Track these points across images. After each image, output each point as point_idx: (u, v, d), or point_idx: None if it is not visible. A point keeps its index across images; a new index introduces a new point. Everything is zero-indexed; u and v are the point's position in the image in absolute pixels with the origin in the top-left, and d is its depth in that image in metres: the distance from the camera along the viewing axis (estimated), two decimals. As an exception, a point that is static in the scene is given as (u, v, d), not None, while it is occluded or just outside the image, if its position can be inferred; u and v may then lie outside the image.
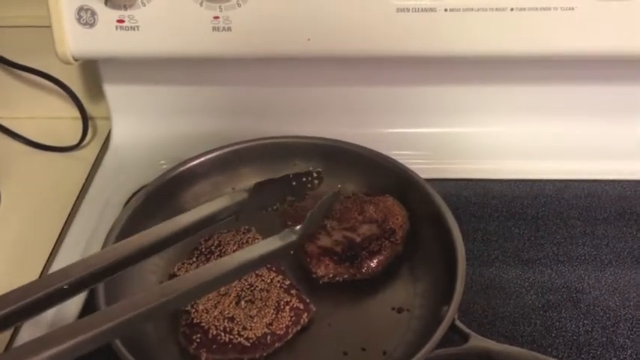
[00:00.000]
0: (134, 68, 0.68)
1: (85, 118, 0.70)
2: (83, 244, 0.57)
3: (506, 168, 0.66)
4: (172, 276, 0.52)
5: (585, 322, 0.51)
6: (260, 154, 0.62)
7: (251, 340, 0.46)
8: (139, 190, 0.59)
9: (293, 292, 0.50)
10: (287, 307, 0.48)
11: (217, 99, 0.70)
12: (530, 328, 0.51)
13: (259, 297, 0.49)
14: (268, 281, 0.51)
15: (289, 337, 0.47)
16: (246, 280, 0.50)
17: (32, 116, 0.75)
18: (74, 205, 0.63)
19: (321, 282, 0.53)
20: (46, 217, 0.62)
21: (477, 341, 0.42)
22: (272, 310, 0.48)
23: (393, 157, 0.60)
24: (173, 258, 0.54)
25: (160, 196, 0.57)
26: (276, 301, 0.49)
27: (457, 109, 0.69)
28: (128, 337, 0.43)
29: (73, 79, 0.72)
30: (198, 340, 0.46)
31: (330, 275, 0.53)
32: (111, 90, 0.70)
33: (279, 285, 0.50)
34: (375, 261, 0.53)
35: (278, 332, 0.47)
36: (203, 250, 0.54)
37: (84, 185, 0.66)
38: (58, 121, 0.74)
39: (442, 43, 0.60)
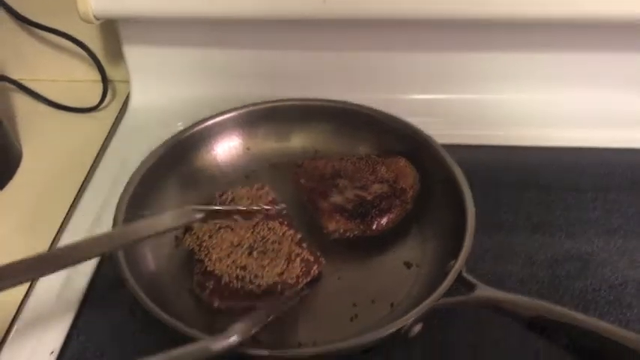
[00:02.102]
0: (153, 30, 0.69)
1: (105, 80, 0.72)
2: (101, 200, 0.59)
3: (521, 135, 0.67)
4: (188, 228, 0.53)
5: (593, 281, 0.52)
6: (274, 116, 0.63)
7: (262, 288, 0.47)
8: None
9: (304, 245, 0.51)
10: (298, 259, 0.49)
11: (235, 61, 0.71)
12: (538, 285, 0.52)
13: (271, 248, 0.50)
14: (280, 234, 0.52)
15: (299, 287, 0.48)
16: (258, 232, 0.52)
17: (55, 78, 0.76)
18: (93, 163, 0.65)
19: (332, 238, 0.54)
20: (66, 174, 0.64)
21: (484, 291, 0.42)
22: (283, 261, 0.49)
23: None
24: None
25: (175, 154, 0.58)
26: (288, 253, 0.50)
27: (474, 75, 0.70)
28: (146, 285, 0.45)
29: (94, 41, 0.73)
30: (211, 287, 0.48)
31: (341, 231, 0.54)
32: (130, 52, 0.71)
33: (290, 238, 0.51)
34: (384, 218, 0.54)
35: (288, 282, 0.48)
36: (217, 204, 0.55)
37: (103, 145, 0.68)
38: (79, 84, 0.76)
39: (462, 4, 0.60)
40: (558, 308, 0.38)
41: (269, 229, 0.52)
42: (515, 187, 0.62)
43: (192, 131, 0.59)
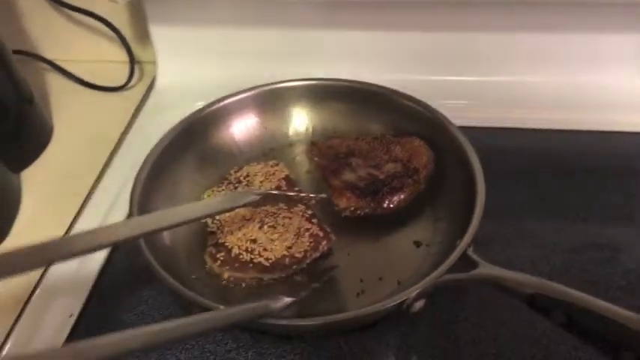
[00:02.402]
0: (179, 10, 0.71)
1: (132, 60, 0.74)
2: (125, 173, 0.61)
3: (543, 117, 0.66)
4: None
5: (607, 266, 0.51)
6: (294, 95, 0.64)
7: (270, 261, 0.48)
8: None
9: (314, 221, 0.52)
10: (307, 234, 0.50)
11: (260, 41, 0.72)
12: (549, 267, 0.51)
13: (282, 223, 0.51)
14: (291, 210, 0.53)
15: (307, 262, 0.49)
16: (270, 207, 0.53)
17: (86, 58, 0.79)
18: (119, 139, 0.67)
19: (343, 215, 0.55)
20: (93, 149, 0.66)
21: (486, 268, 0.42)
22: (292, 236, 0.50)
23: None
24: (203, 184, 0.57)
25: (192, 132, 0.59)
26: (297, 228, 0.51)
27: (494, 57, 0.69)
28: (161, 257, 0.47)
29: (123, 22, 0.76)
30: (222, 259, 0.49)
31: (352, 208, 0.54)
32: (156, 32, 0.73)
33: (301, 214, 0.52)
34: (396, 197, 0.54)
35: (296, 255, 0.49)
36: (232, 180, 0.57)
37: (129, 122, 0.70)
38: (109, 64, 0.78)
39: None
40: (557, 286, 0.38)
41: (281, 204, 0.53)
42: (534, 171, 0.61)
43: (208, 110, 0.60)
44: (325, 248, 0.51)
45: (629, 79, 0.67)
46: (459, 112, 0.60)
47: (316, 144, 0.60)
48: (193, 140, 0.59)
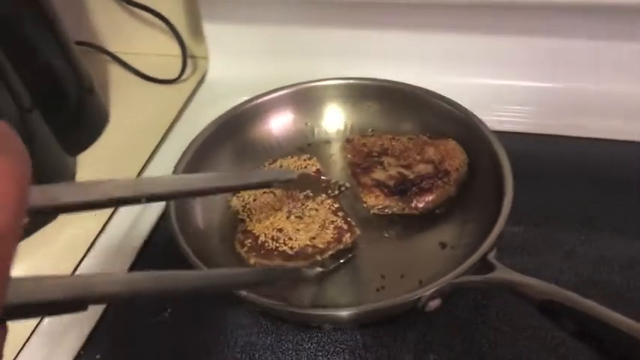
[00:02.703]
0: (231, 8, 0.74)
1: (185, 54, 0.78)
2: (171, 159, 0.63)
3: (588, 126, 0.64)
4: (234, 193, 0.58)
5: (637, 280, 0.49)
6: (334, 94, 0.65)
7: (294, 250, 0.50)
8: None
9: (340, 214, 0.53)
10: (331, 226, 0.52)
11: (306, 40, 0.75)
12: (577, 278, 0.50)
13: (308, 214, 0.53)
14: (319, 202, 0.54)
15: (330, 253, 0.51)
16: (298, 199, 0.55)
17: (144, 52, 0.84)
18: (167, 129, 0.71)
19: (371, 212, 0.56)
20: (144, 136, 0.70)
21: (502, 272, 0.42)
22: (317, 227, 0.52)
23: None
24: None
25: (232, 125, 0.62)
26: (323, 220, 0.52)
27: (540, 62, 0.68)
28: (193, 243, 0.49)
29: (179, 19, 0.80)
30: (249, 245, 0.52)
31: (380, 206, 0.55)
32: (209, 28, 0.77)
33: (328, 207, 0.54)
34: (424, 198, 0.55)
35: (319, 246, 0.51)
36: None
37: (178, 113, 0.74)
38: (165, 57, 0.82)
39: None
40: (570, 294, 0.37)
41: (308, 196, 0.55)
42: (574, 180, 0.60)
43: (248, 105, 0.63)
44: (349, 241, 0.52)
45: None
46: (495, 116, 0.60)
47: (351, 141, 0.61)
48: (233, 133, 0.61)
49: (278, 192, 0.55)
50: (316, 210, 0.53)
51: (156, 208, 0.59)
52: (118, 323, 0.50)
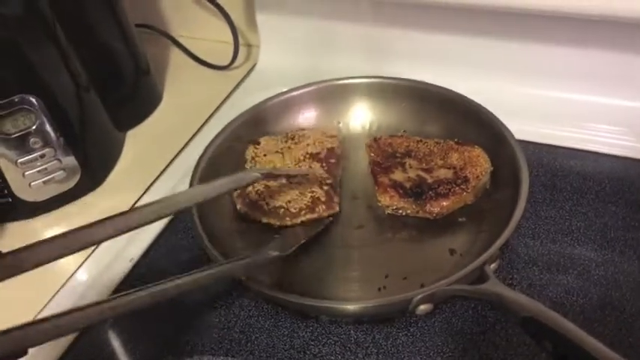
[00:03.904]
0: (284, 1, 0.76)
1: (237, 43, 0.81)
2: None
3: (620, 143, 0.62)
4: (256, 142, 0.62)
5: (645, 310, 0.47)
6: (360, 91, 0.66)
7: (269, 207, 0.55)
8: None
9: (326, 188, 0.56)
10: (309, 195, 0.55)
11: (354, 36, 0.76)
12: (584, 301, 0.49)
13: (300, 182, 0.57)
14: (316, 175, 0.57)
15: (301, 219, 0.54)
16: (300, 167, 0.59)
17: (201, 37, 0.88)
18: (213, 112, 0.75)
19: (386, 212, 0.57)
20: (190, 119, 0.74)
21: (492, 285, 0.42)
22: (297, 193, 0.55)
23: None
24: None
25: (262, 116, 0.65)
26: (307, 189, 0.56)
27: (575, 73, 0.66)
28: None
29: (234, 8, 0.82)
30: (238, 192, 0.57)
31: (394, 207, 0.56)
32: (262, 19, 0.79)
33: (320, 180, 0.57)
34: (439, 203, 0.55)
35: (291, 210, 0.54)
36: (288, 135, 0.63)
37: (225, 98, 0.78)
38: (220, 44, 0.85)
39: None
40: (552, 314, 0.37)
41: (310, 167, 0.58)
42: (602, 197, 0.58)
43: (276, 100, 0.65)
44: (323, 214, 0.55)
45: None
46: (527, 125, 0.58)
47: (377, 140, 0.62)
48: (257, 127, 0.64)
49: (287, 155, 0.60)
50: (309, 180, 0.57)
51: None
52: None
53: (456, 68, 0.70)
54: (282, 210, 0.54)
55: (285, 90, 0.66)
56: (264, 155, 0.60)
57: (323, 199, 0.55)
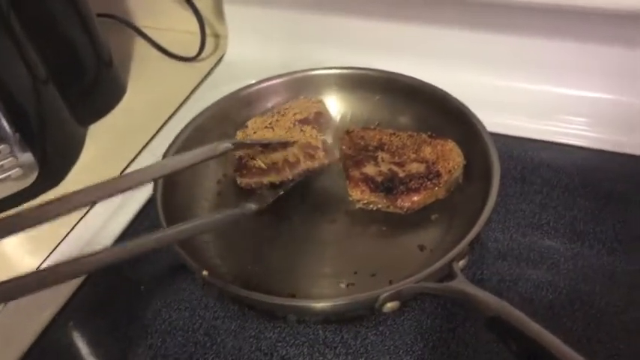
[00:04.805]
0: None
1: (204, 33, 0.79)
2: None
3: (591, 136, 0.61)
4: (244, 127, 0.61)
5: (619, 303, 0.47)
6: (334, 82, 0.65)
7: (267, 164, 0.54)
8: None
9: (322, 138, 0.56)
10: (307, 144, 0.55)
11: (323, 26, 0.74)
12: (553, 296, 0.48)
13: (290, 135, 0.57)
14: (308, 135, 0.56)
15: (301, 169, 0.54)
16: (292, 134, 0.57)
17: (167, 27, 0.85)
18: (179, 105, 0.73)
19: (357, 206, 0.55)
20: (155, 112, 0.72)
21: (458, 282, 0.41)
22: (295, 149, 0.55)
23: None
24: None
25: (226, 111, 0.63)
26: (304, 142, 0.55)
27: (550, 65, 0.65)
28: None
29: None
30: (235, 168, 0.57)
31: (365, 201, 0.55)
32: (230, 10, 0.77)
33: (310, 134, 0.57)
34: (410, 197, 0.54)
35: (290, 160, 0.54)
36: (274, 111, 0.62)
37: (192, 91, 0.75)
38: (187, 35, 0.83)
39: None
40: (519, 314, 0.36)
41: (301, 130, 0.57)
42: (571, 190, 0.57)
43: (248, 90, 0.63)
44: (325, 161, 0.55)
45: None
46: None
47: (350, 133, 0.61)
48: (226, 119, 0.62)
49: (277, 126, 0.59)
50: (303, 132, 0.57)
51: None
52: (94, 294, 0.53)
53: (426, 59, 0.69)
54: (281, 162, 0.54)
55: (254, 82, 0.64)
56: (254, 133, 0.59)
57: (321, 146, 0.55)
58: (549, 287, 0.49)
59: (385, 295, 0.43)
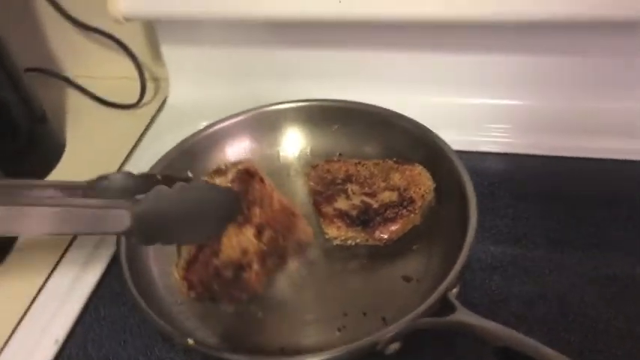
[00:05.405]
0: (190, 30, 0.71)
1: (143, 78, 0.75)
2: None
3: (547, 143, 0.63)
4: None
5: (609, 309, 0.47)
6: (290, 117, 0.63)
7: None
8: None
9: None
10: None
11: (268, 61, 0.72)
12: (545, 310, 0.48)
13: None
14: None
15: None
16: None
17: (101, 75, 0.80)
18: (126, 157, 0.69)
19: (334, 243, 0.53)
20: (101, 166, 0.66)
21: (461, 314, 0.40)
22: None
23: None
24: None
25: (186, 156, 0.59)
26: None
27: (498, 79, 0.67)
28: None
29: (138, 41, 0.77)
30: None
31: (342, 237, 0.53)
32: (168, 51, 0.74)
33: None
34: (388, 228, 0.52)
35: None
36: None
37: (138, 140, 0.71)
38: (125, 81, 0.79)
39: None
40: (529, 341, 0.35)
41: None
42: (539, 199, 0.58)
43: (203, 134, 0.60)
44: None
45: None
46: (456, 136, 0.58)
47: (315, 168, 0.59)
48: (186, 166, 0.58)
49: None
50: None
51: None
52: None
53: (379, 85, 0.69)
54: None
55: (204, 126, 0.61)
56: None
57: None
58: (539, 301, 0.49)
59: (386, 337, 0.41)
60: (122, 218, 0.39)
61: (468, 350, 0.45)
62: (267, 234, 0.47)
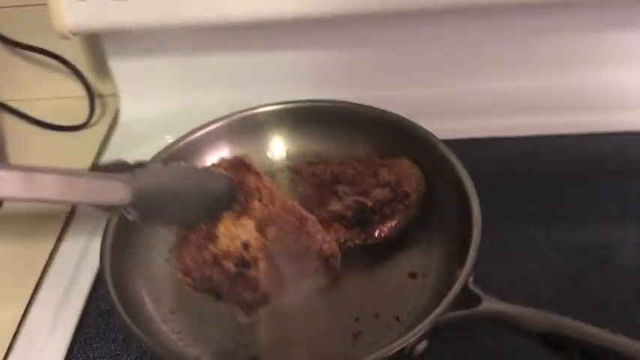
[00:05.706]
0: (138, 42, 0.67)
1: (92, 96, 0.70)
2: (91, 225, 0.57)
3: (525, 124, 0.63)
4: None
5: (614, 282, 0.48)
6: (267, 120, 0.60)
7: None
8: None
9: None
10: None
11: (224, 68, 0.69)
12: (554, 289, 0.48)
13: None
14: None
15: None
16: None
17: (44, 97, 0.74)
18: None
19: (332, 248, 0.51)
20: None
21: (490, 304, 0.39)
22: None
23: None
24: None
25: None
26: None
27: (469, 65, 0.67)
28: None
29: (80, 57, 0.71)
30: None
31: (341, 241, 0.51)
32: (116, 65, 0.69)
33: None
34: (387, 225, 0.51)
35: None
36: None
37: (93, 163, 0.66)
38: (69, 101, 0.73)
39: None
40: (570, 321, 0.35)
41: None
42: (525, 181, 0.58)
43: (177, 146, 0.56)
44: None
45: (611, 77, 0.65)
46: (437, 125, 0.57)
47: (299, 172, 0.56)
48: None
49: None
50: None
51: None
52: None
53: (339, 82, 0.68)
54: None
55: (177, 137, 0.57)
56: None
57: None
58: (547, 281, 0.49)
59: (414, 339, 0.39)
60: (123, 188, 0.41)
61: (490, 340, 0.45)
62: (271, 230, 0.46)
